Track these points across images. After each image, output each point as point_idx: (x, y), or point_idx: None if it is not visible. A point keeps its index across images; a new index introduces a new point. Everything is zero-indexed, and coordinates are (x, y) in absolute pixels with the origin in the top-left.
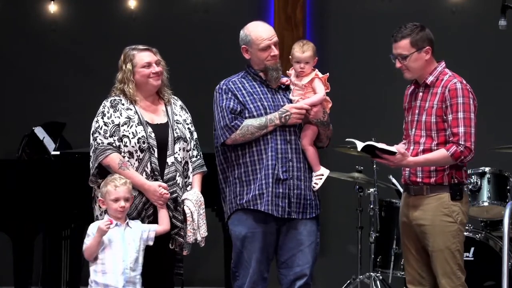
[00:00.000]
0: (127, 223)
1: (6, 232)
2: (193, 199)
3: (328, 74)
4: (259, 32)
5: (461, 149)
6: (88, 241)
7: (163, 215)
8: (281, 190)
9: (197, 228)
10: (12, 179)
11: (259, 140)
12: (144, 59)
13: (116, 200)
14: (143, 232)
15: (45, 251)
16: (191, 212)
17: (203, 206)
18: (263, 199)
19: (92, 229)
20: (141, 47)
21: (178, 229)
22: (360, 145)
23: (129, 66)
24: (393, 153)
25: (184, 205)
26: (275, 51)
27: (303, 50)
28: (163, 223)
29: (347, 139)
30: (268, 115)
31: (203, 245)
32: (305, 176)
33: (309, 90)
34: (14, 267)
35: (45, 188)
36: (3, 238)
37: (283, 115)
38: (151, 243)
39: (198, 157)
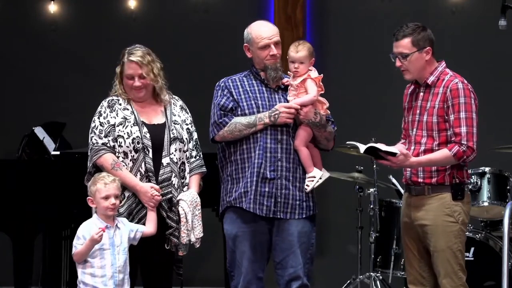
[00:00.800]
0: (116, 224)
1: (6, 232)
2: (187, 200)
3: (322, 75)
4: (259, 31)
5: (464, 149)
6: (79, 246)
7: (151, 218)
8: (267, 189)
9: (191, 229)
10: (12, 179)
11: (249, 138)
12: (127, 71)
13: (107, 197)
14: (131, 231)
15: (45, 251)
16: (185, 213)
17: (199, 207)
18: (247, 197)
19: (82, 231)
20: (132, 57)
21: (173, 229)
22: (362, 148)
23: (118, 69)
24: (394, 154)
25: (178, 206)
26: (274, 51)
27: (297, 50)
28: (150, 226)
29: (348, 142)
30: (258, 114)
31: (198, 246)
32: (295, 177)
33: (302, 91)
34: (14, 267)
35: (45, 188)
36: (3, 238)
37: (273, 114)
38: (135, 243)
39: (198, 157)
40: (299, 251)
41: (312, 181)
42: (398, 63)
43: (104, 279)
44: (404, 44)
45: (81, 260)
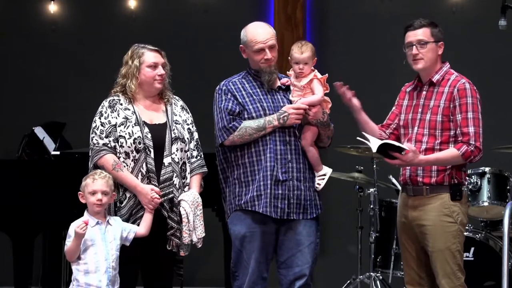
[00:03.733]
0: (108, 221)
1: (6, 232)
2: (189, 200)
3: (327, 75)
4: (255, 34)
5: (472, 148)
6: (69, 243)
7: (146, 219)
8: (280, 192)
9: (193, 229)
10: (12, 179)
11: (258, 141)
12: (151, 58)
13: (93, 193)
14: (123, 231)
15: (45, 251)
16: (187, 214)
17: (200, 207)
18: (261, 200)
19: (72, 228)
20: (150, 47)
21: (174, 230)
22: (374, 146)
23: (136, 62)
24: (402, 150)
25: (180, 206)
26: (268, 55)
27: (301, 51)
28: (143, 227)
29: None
30: (266, 117)
31: (200, 245)
32: (305, 177)
33: (308, 91)
34: (14, 267)
35: (45, 188)
36: (3, 238)
37: (281, 116)
38: (127, 243)
39: (199, 157)
40: (307, 250)
41: (323, 179)
42: (415, 51)
43: (97, 275)
44: (424, 32)
45: (73, 258)
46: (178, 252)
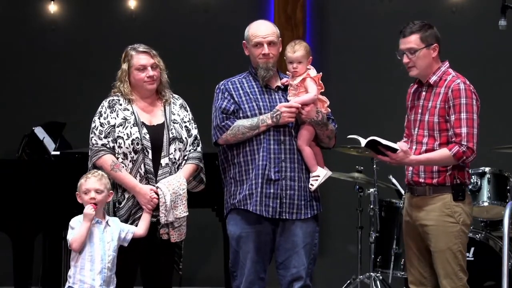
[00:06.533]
0: (107, 221)
1: (6, 232)
2: (164, 182)
3: (321, 73)
4: (256, 29)
5: (464, 149)
6: (75, 232)
7: (145, 220)
8: (272, 191)
9: (171, 209)
10: (12, 179)
11: (252, 140)
12: (139, 61)
13: (86, 192)
14: (121, 231)
15: (45, 251)
16: (164, 194)
17: (183, 187)
18: (252, 199)
19: (74, 222)
20: (140, 48)
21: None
22: (363, 141)
23: (125, 66)
24: (395, 150)
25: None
26: (266, 50)
27: (294, 50)
28: (141, 228)
29: (349, 136)
30: (260, 116)
31: (178, 225)
32: (300, 177)
33: (302, 90)
34: (14, 267)
35: (45, 188)
36: (3, 238)
37: (274, 115)
38: (125, 244)
39: (192, 150)
40: (303, 251)
41: (317, 180)
42: (405, 60)
43: (92, 273)
44: (413, 40)
45: (80, 246)
46: (167, 236)
